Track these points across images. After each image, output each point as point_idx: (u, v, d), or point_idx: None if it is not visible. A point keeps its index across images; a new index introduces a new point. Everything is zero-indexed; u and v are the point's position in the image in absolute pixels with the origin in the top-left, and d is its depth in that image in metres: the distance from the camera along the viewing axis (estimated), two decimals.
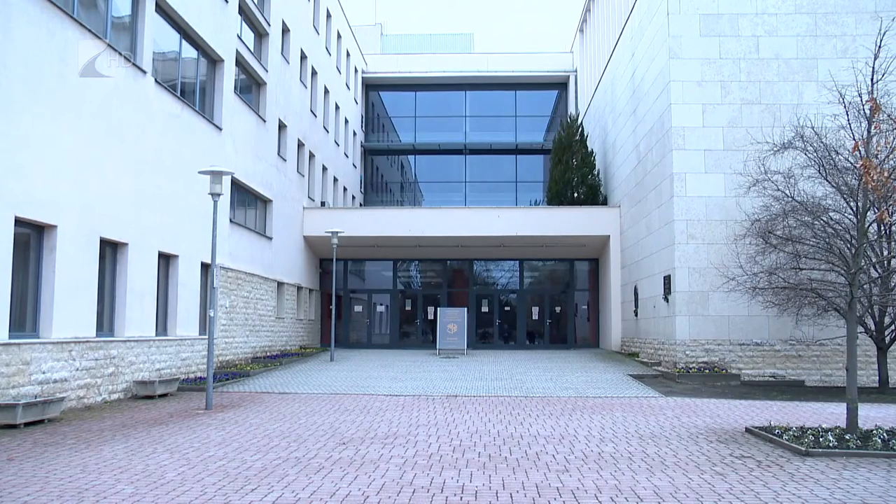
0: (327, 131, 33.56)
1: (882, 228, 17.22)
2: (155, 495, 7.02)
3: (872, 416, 13.27)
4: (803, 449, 9.53)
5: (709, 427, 11.88)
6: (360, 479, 7.88)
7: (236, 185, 21.90)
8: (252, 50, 23.58)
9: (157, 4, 16.90)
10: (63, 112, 13.21)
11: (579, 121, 35.53)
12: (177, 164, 17.57)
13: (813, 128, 16.07)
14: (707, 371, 19.28)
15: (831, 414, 13.52)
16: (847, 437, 10.09)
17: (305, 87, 29.73)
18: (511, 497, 7.12)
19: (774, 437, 10.37)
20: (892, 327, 18.20)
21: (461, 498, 7.06)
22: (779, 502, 7.00)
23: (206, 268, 19.23)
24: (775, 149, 16.98)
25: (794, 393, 17.32)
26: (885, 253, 17.20)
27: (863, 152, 11.58)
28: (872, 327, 18.07)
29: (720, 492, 7.42)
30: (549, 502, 6.93)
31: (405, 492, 7.29)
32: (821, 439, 9.90)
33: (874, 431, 10.38)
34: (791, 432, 10.50)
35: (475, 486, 7.59)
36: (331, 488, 7.41)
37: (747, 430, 11.46)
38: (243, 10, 22.87)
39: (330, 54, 33.95)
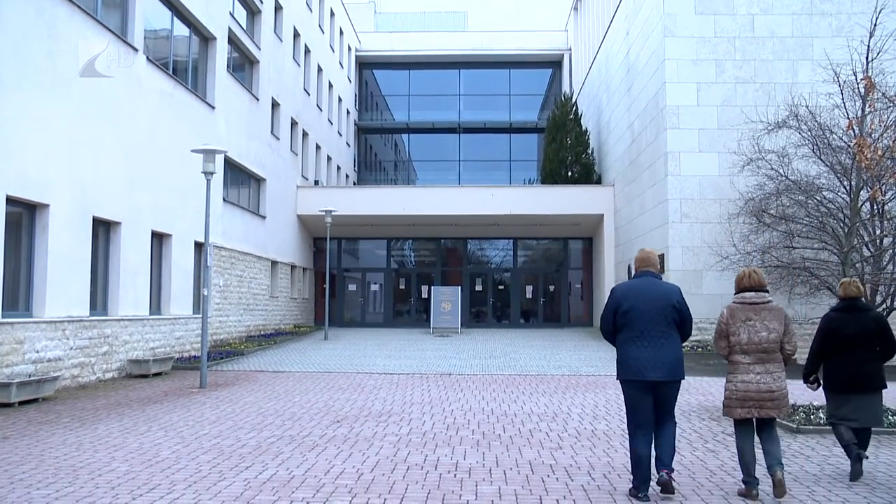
0: (321, 110, 33.40)
1: (875, 207, 17.23)
2: (150, 473, 7.05)
3: None
4: (794, 426, 9.61)
5: (701, 405, 11.95)
6: (354, 456, 7.91)
7: (229, 164, 21.80)
8: (245, 28, 23.40)
9: None
10: (54, 90, 13.11)
11: (573, 99, 35.42)
12: (169, 142, 17.48)
13: (807, 107, 16.07)
14: (700, 349, 19.37)
15: (822, 392, 13.58)
16: None
17: (298, 66, 29.54)
18: (504, 474, 7.17)
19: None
20: (884, 306, 18.28)
21: (455, 475, 7.10)
22: (770, 478, 7.04)
23: (199, 247, 19.18)
24: (769, 128, 16.99)
25: (787, 371, 17.41)
26: (878, 232, 17.23)
27: (857, 131, 11.59)
28: None
29: (712, 468, 7.48)
30: (542, 479, 6.98)
31: (399, 469, 7.33)
32: (811, 417, 9.97)
33: None
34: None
35: (469, 463, 7.64)
36: (325, 466, 7.45)
37: None
38: None
39: (323, 32, 33.71)
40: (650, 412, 6.24)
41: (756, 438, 6.45)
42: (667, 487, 6.25)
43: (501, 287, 33.89)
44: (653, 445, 6.31)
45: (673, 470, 6.36)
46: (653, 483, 6.30)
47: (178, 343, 18.09)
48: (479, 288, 33.33)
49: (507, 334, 27.09)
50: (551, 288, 33.38)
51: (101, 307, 15.18)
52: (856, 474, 7.01)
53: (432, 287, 30.08)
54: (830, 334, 7.32)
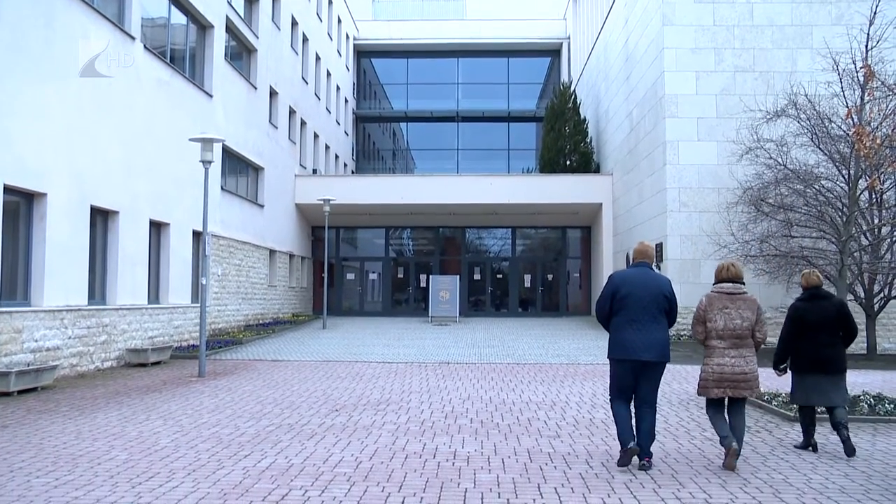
0: (319, 98, 33.32)
1: (873, 196, 17.24)
2: (149, 461, 7.07)
3: (860, 382, 13.40)
4: (792, 415, 9.62)
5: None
6: (352, 444, 7.93)
7: (227, 153, 21.76)
8: (242, 16, 23.30)
9: None
10: (51, 78, 13.06)
11: (572, 88, 35.33)
12: (167, 131, 17.44)
13: (806, 95, 16.05)
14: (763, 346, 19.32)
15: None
16: None
17: (297, 54, 29.45)
18: (503, 462, 7.19)
19: (764, 404, 10.47)
20: (881, 295, 18.32)
21: (453, 463, 7.12)
22: (767, 466, 7.09)
23: (197, 236, 19.17)
24: (768, 117, 16.98)
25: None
26: (876, 221, 17.24)
27: (856, 119, 11.57)
28: (862, 295, 18.18)
29: (710, 457, 7.50)
30: (540, 467, 7.00)
31: (398, 457, 7.35)
32: None
33: (861, 397, 10.47)
34: (780, 398, 10.60)
35: (467, 451, 7.66)
36: (324, 454, 7.47)
37: None
38: None
39: (321, 20, 33.58)
40: (631, 385, 6.93)
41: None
42: (646, 463, 6.86)
43: (500, 276, 33.89)
44: (634, 429, 6.94)
45: (651, 455, 6.96)
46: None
47: (177, 332, 18.10)
48: (477, 277, 33.33)
49: (506, 323, 27.12)
50: (549, 277, 33.39)
51: (100, 296, 15.18)
52: (807, 443, 7.90)
53: (431, 276, 30.10)
54: (796, 321, 7.88)
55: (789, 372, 8.08)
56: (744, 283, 7.21)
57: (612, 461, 7.26)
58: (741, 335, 6.99)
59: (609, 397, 7.12)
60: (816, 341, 7.75)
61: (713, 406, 7.11)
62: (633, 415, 6.98)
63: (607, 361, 7.24)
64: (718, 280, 7.20)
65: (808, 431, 7.92)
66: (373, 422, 9.31)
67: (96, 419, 9.28)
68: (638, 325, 6.83)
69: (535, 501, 5.89)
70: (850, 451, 7.45)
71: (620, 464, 6.81)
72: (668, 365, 7.15)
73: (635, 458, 6.83)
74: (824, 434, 8.60)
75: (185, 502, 5.77)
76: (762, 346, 7.18)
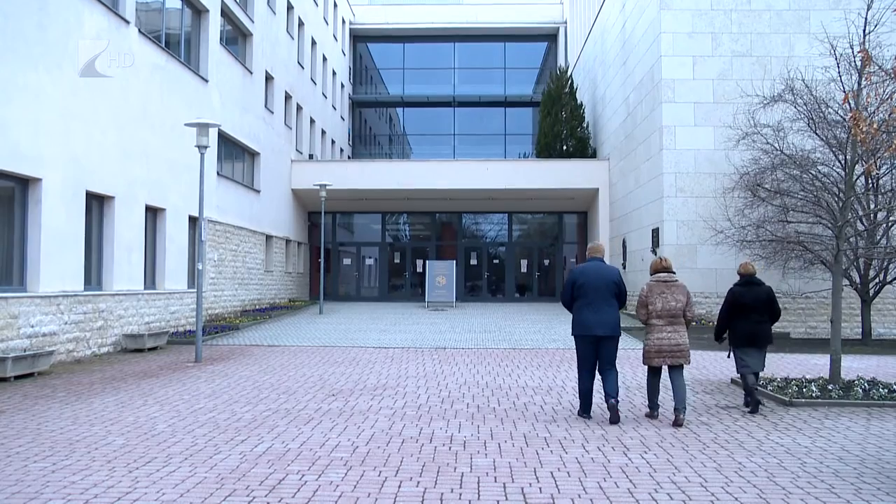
0: (315, 83, 33.18)
1: (869, 182, 17.25)
2: (146, 447, 7.08)
3: (855, 366, 13.46)
4: (787, 399, 9.68)
5: (694, 378, 12.03)
6: (349, 429, 7.95)
7: (223, 138, 21.68)
8: (237, 0, 23.16)
9: None
10: (45, 63, 12.97)
11: (569, 73, 35.20)
12: (163, 116, 17.36)
13: (803, 80, 15.98)
14: (694, 323, 19.39)
15: (815, 365, 13.70)
16: (829, 387, 10.25)
17: (292, 39, 29.30)
18: (499, 447, 7.21)
19: (758, 388, 10.51)
20: (877, 280, 18.36)
21: (450, 448, 7.15)
22: (762, 451, 7.12)
23: (193, 221, 19.13)
24: (765, 102, 16.91)
25: (779, 345, 17.46)
26: (872, 206, 17.25)
27: (853, 104, 11.53)
28: (857, 280, 18.22)
29: (705, 441, 7.54)
30: (536, 452, 7.02)
31: (394, 442, 7.37)
32: (804, 390, 10.05)
33: (856, 382, 10.54)
34: (775, 383, 10.65)
35: (464, 436, 7.68)
36: (320, 439, 7.48)
37: (732, 381, 11.61)
38: None
39: (317, 5, 33.39)
40: (593, 359, 8.69)
41: (670, 386, 8.73)
42: (614, 415, 8.40)
43: (496, 261, 33.90)
44: (602, 385, 8.64)
45: (618, 400, 8.72)
46: (602, 413, 8.76)
47: (173, 317, 18.09)
48: (473, 262, 33.33)
49: (502, 308, 27.16)
50: (546, 262, 33.40)
51: (96, 282, 15.16)
52: (755, 405, 9.21)
53: (427, 261, 30.08)
54: (733, 303, 9.61)
55: (731, 348, 9.74)
56: (675, 273, 8.91)
57: (607, 445, 7.29)
58: (675, 314, 8.59)
59: (577, 372, 8.85)
60: (750, 319, 9.47)
61: (651, 375, 8.75)
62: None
63: None
64: (655, 271, 8.85)
65: (752, 392, 9.27)
66: (369, 407, 9.33)
67: (93, 404, 9.29)
68: (593, 307, 8.56)
69: (532, 485, 5.92)
70: (755, 408, 9.11)
71: (580, 414, 8.76)
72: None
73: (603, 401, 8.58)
74: (818, 419, 8.63)
75: (182, 487, 5.79)
76: (692, 323, 8.81)
